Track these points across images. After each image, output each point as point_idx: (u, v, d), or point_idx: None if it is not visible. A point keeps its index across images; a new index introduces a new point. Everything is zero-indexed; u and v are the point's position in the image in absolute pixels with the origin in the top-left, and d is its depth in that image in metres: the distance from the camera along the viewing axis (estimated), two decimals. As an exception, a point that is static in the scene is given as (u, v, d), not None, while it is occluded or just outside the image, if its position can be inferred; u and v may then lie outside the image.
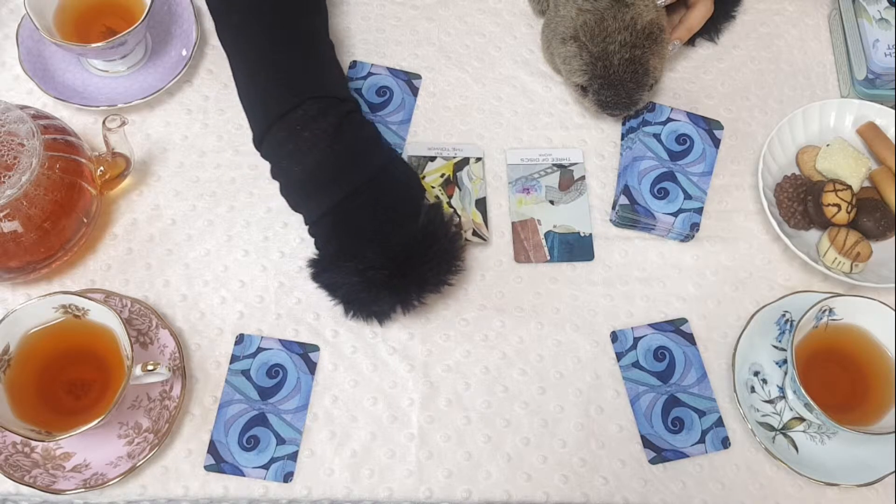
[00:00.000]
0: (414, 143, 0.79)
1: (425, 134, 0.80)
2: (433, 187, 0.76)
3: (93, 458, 0.65)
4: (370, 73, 0.83)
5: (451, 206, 0.75)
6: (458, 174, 0.77)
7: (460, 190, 0.77)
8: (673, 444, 0.69)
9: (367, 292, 0.66)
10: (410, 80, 0.83)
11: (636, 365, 0.71)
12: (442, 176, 0.77)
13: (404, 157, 0.78)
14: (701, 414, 0.70)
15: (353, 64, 0.83)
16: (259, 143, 0.71)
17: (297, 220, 0.75)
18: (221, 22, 0.74)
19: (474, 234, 0.75)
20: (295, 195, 0.70)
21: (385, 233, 0.66)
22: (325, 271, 0.68)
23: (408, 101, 0.82)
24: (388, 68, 0.83)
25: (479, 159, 0.78)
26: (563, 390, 0.70)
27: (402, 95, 0.82)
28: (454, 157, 0.78)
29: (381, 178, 0.68)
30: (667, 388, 0.71)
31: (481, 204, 0.76)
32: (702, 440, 0.69)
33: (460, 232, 0.70)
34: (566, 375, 0.71)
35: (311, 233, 0.70)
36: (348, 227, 0.67)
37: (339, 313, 0.72)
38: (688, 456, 0.68)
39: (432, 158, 0.78)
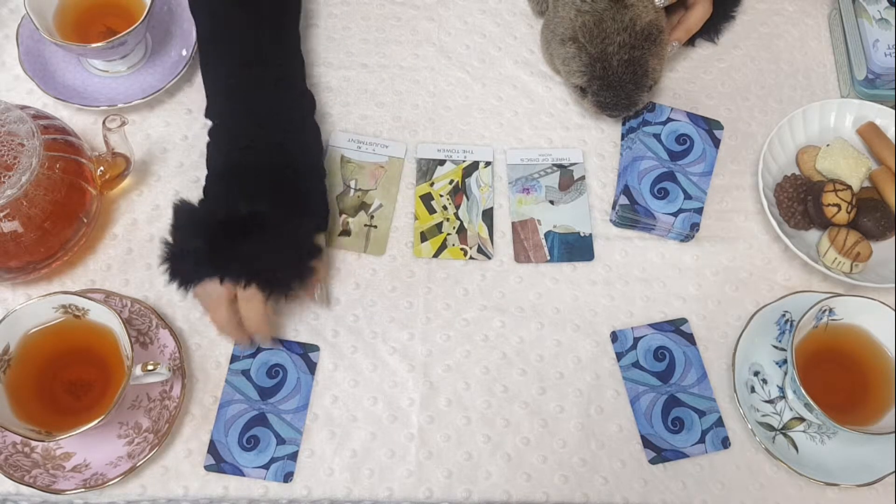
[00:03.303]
0: (423, 145, 0.79)
1: (425, 133, 0.80)
2: (441, 195, 0.76)
3: (93, 458, 0.65)
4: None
5: (458, 219, 0.75)
6: (466, 181, 0.77)
7: (468, 199, 0.76)
8: (673, 444, 0.69)
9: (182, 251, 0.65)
10: None
11: (636, 365, 0.71)
12: (451, 182, 0.77)
13: (413, 157, 0.78)
14: (701, 414, 0.70)
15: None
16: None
17: (297, 220, 0.75)
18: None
19: (479, 250, 0.75)
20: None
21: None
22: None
23: None
24: None
25: (488, 164, 0.78)
26: (563, 390, 0.70)
27: None
28: (464, 161, 0.78)
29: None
30: (667, 388, 0.71)
31: (488, 216, 0.76)
32: (702, 440, 0.69)
33: (310, 267, 0.67)
34: (566, 375, 0.71)
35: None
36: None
37: (340, 313, 0.72)
38: (688, 456, 0.68)
39: (441, 162, 0.78)
